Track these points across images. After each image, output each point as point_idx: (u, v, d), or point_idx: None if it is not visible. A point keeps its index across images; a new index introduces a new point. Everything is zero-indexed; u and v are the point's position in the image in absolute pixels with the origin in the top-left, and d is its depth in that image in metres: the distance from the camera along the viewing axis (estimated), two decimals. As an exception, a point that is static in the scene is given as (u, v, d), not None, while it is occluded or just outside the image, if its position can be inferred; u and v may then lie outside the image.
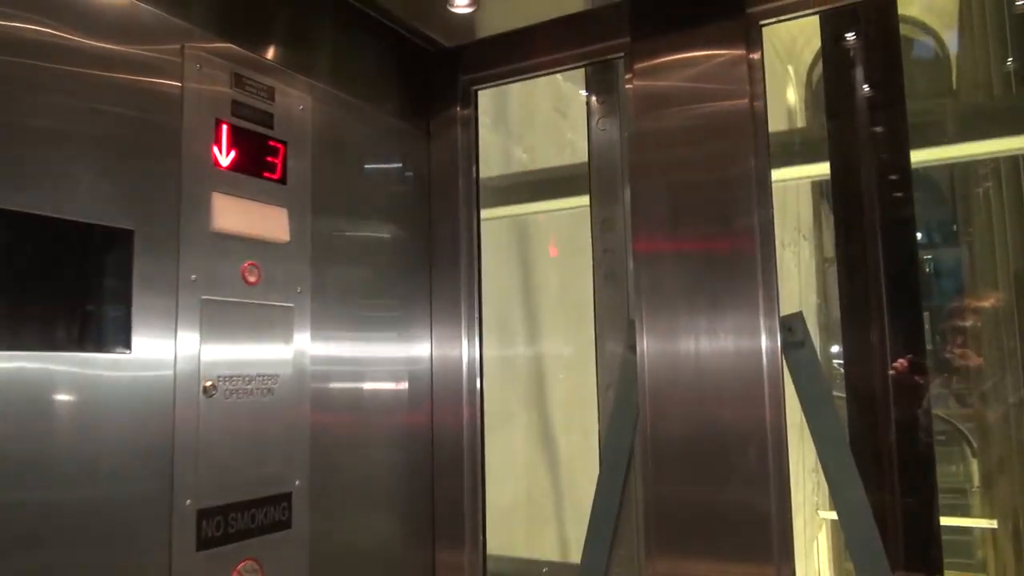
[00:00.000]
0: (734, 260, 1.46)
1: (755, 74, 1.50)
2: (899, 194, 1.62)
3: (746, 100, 1.49)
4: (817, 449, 1.43)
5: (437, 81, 1.89)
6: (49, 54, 1.09)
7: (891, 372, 1.65)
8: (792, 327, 1.44)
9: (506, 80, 1.85)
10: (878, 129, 1.66)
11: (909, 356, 1.66)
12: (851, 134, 1.69)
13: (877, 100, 1.64)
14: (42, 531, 1.03)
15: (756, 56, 1.51)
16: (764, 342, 1.43)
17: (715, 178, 1.50)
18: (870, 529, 1.38)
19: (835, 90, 1.74)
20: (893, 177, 1.63)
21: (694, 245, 1.51)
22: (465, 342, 1.80)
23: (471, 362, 1.80)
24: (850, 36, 1.67)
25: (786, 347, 1.44)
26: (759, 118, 1.49)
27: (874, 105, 1.64)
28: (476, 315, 1.81)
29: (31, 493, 1.03)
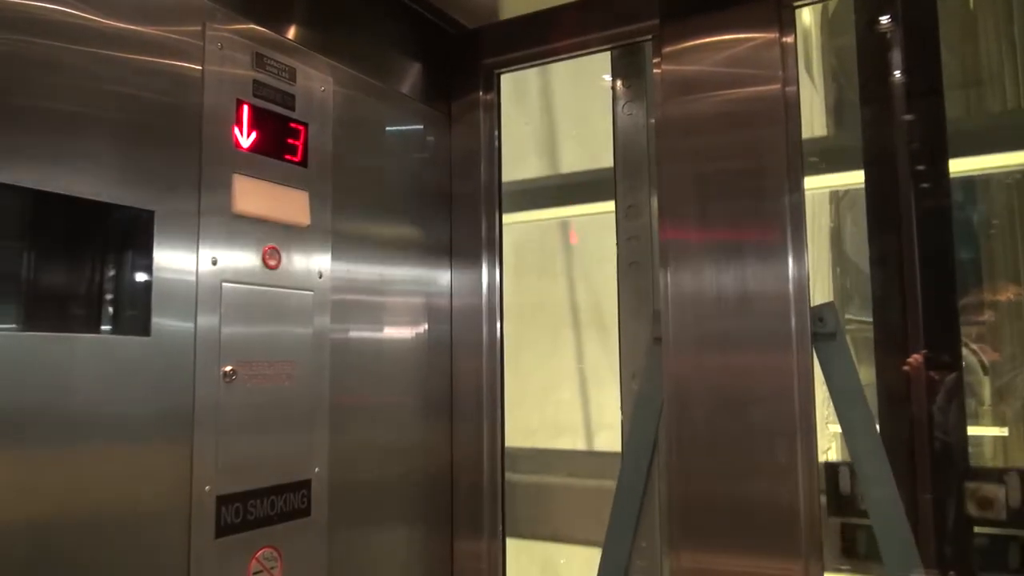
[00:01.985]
0: (764, 249, 1.43)
1: (788, 58, 1.46)
2: (936, 185, 1.58)
3: (778, 85, 1.45)
4: (847, 443, 1.40)
5: (459, 64, 1.86)
6: (70, 35, 1.06)
7: (906, 368, 1.61)
8: (823, 317, 1.41)
9: (530, 64, 1.81)
10: (913, 117, 1.62)
11: (924, 351, 1.62)
12: (886, 123, 1.64)
13: (913, 87, 1.60)
14: (59, 517, 1.02)
15: (789, 39, 1.46)
16: (794, 333, 1.40)
17: (745, 165, 1.46)
18: (901, 525, 1.35)
19: (870, 78, 1.70)
20: (930, 167, 1.59)
21: (722, 233, 1.47)
22: (485, 329, 1.78)
23: (492, 349, 1.77)
24: (884, 19, 1.63)
25: (816, 338, 1.41)
26: (791, 104, 1.45)
27: (910, 92, 1.60)
28: (497, 305, 1.79)
29: (48, 478, 1.01)
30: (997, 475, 1.59)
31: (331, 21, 1.54)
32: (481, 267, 1.79)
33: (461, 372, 1.79)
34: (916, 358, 1.63)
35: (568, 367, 2.81)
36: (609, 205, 1.81)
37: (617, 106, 1.77)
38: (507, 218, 1.84)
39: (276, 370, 1.34)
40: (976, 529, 1.60)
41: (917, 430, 1.61)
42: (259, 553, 1.29)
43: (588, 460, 2.64)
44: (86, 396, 1.05)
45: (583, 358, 2.82)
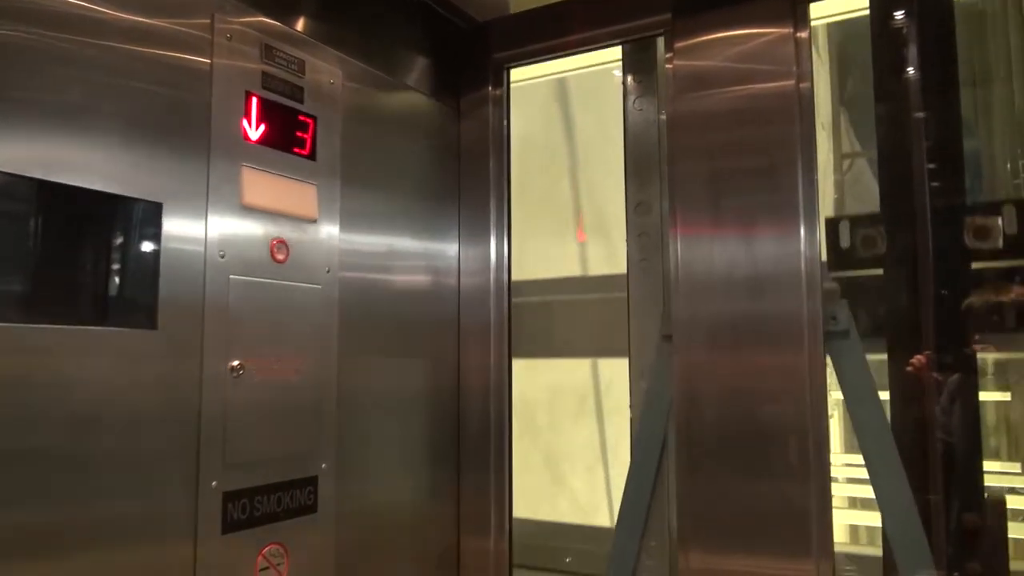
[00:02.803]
0: (776, 247, 1.42)
1: (802, 54, 1.44)
2: (950, 180, 1.56)
3: (792, 81, 1.44)
4: (860, 442, 1.39)
5: (468, 58, 1.84)
6: (80, 27, 1.05)
7: (909, 368, 1.60)
8: (836, 316, 1.39)
9: (540, 58, 1.80)
10: (927, 114, 1.60)
11: (927, 352, 1.60)
12: (901, 120, 1.62)
13: (928, 83, 1.58)
14: (66, 511, 1.01)
15: (803, 35, 1.45)
16: (806, 331, 1.38)
17: (758, 162, 1.45)
18: (914, 524, 1.34)
19: (884, 73, 1.68)
20: (944, 162, 1.57)
21: (734, 230, 1.46)
22: (493, 323, 1.76)
23: (500, 342, 1.76)
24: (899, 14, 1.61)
25: (829, 336, 1.39)
26: (805, 100, 1.43)
27: (925, 88, 1.58)
28: (505, 299, 1.78)
29: (52, 472, 1.00)
30: (995, 207, 1.59)
31: (340, 13, 1.52)
32: (489, 258, 1.78)
33: (469, 368, 1.78)
34: (919, 359, 1.61)
35: (572, 273, 2.81)
36: (611, 53, 1.79)
37: (628, 101, 1.76)
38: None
39: (284, 365, 1.32)
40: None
41: (928, 427, 1.59)
42: (266, 550, 1.28)
43: (583, 282, 2.72)
44: (92, 390, 1.04)
45: (587, 265, 2.81)
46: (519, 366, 1.83)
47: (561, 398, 2.82)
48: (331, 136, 1.45)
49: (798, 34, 1.44)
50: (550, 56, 1.78)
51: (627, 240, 1.73)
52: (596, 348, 2.63)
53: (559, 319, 2.68)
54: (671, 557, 1.64)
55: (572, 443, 2.78)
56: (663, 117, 1.71)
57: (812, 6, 1.47)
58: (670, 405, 1.51)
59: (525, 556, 1.93)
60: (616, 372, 2.32)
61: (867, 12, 1.70)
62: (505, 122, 1.82)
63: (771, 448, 1.39)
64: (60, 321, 1.02)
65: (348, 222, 1.48)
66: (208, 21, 1.24)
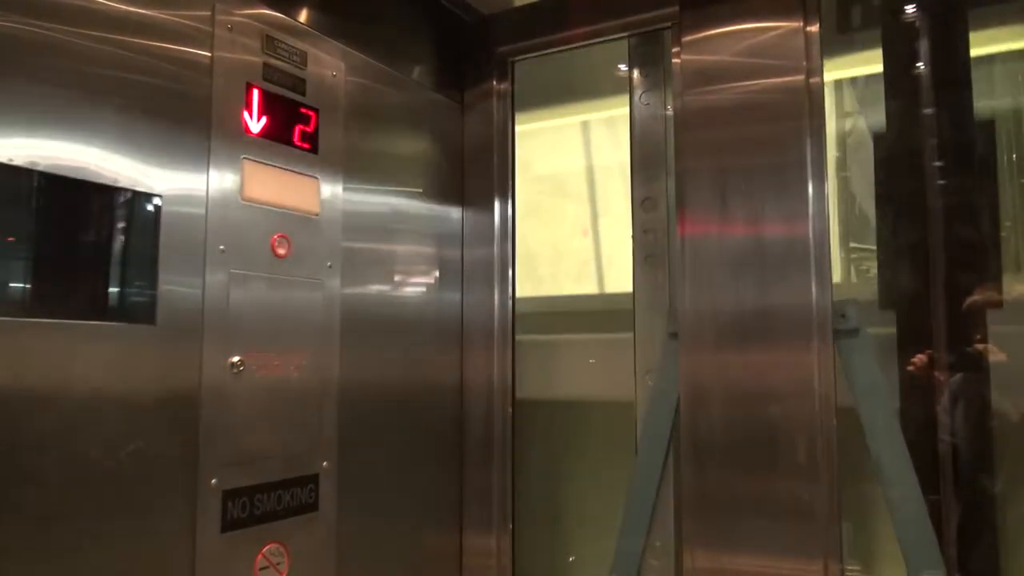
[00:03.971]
0: (785, 244, 1.39)
1: (812, 48, 1.42)
2: (962, 176, 1.54)
3: (802, 76, 1.41)
4: (869, 441, 1.37)
5: (472, 51, 1.82)
6: (79, 18, 1.03)
7: (910, 368, 1.58)
8: (845, 313, 1.37)
9: (545, 51, 1.77)
10: (938, 108, 1.58)
11: (928, 351, 1.58)
12: (912, 115, 1.60)
13: (940, 73, 1.55)
14: (64, 509, 0.99)
15: (813, 29, 1.43)
16: (815, 329, 1.36)
17: (767, 159, 1.43)
18: (924, 526, 1.32)
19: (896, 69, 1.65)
20: (955, 159, 1.54)
21: (742, 228, 1.43)
22: (497, 315, 1.75)
23: (504, 342, 1.74)
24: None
25: (839, 334, 1.37)
26: (815, 95, 1.41)
27: (936, 83, 1.56)
28: (509, 293, 1.76)
29: (52, 470, 0.98)
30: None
31: (343, 5, 1.50)
32: (493, 257, 1.76)
33: (472, 369, 1.77)
34: (920, 358, 1.59)
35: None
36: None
37: (634, 95, 1.74)
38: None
39: (285, 361, 1.30)
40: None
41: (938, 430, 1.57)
42: (265, 548, 1.26)
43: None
44: (90, 385, 1.02)
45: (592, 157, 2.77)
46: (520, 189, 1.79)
47: (562, 259, 2.78)
48: (333, 129, 1.43)
49: (808, 27, 1.42)
50: (555, 49, 1.76)
51: (633, 236, 1.71)
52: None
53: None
54: (676, 556, 1.62)
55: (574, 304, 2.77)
56: (670, 112, 1.69)
57: (822, -2, 1.45)
58: (676, 403, 1.49)
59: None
60: (616, 250, 2.24)
61: None
62: (510, 116, 1.79)
63: (779, 447, 1.37)
64: (58, 315, 1.00)
65: (350, 216, 1.46)
66: (209, 13, 1.22)
